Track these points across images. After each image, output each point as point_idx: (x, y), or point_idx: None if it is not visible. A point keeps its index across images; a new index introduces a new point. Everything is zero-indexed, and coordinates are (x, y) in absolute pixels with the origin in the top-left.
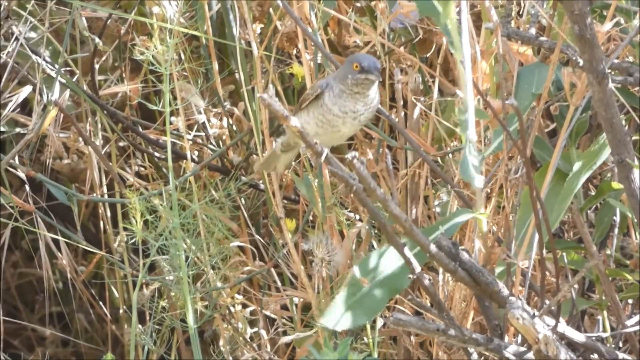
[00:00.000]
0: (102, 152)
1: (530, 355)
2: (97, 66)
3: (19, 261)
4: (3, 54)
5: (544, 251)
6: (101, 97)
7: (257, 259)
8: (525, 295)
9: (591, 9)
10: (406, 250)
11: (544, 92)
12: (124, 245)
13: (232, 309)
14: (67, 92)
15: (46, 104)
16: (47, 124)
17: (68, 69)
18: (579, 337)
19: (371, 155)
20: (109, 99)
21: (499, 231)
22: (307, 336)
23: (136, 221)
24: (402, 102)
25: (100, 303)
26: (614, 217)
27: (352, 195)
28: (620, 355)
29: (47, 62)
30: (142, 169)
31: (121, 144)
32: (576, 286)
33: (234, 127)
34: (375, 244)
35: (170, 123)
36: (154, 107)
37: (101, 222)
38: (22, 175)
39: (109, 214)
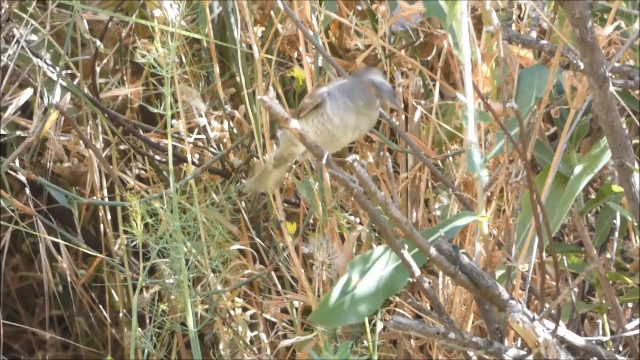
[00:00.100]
0: (103, 155)
1: (531, 358)
2: (98, 69)
3: (19, 264)
4: (4, 56)
5: (544, 255)
6: (102, 100)
7: (258, 262)
8: (526, 299)
9: (592, 13)
10: (406, 254)
11: (545, 95)
12: (124, 249)
13: (232, 312)
14: (68, 95)
15: (47, 107)
16: (47, 127)
17: (69, 71)
18: (579, 340)
19: (372, 158)
20: (109, 102)
21: (499, 234)
22: (308, 339)
23: (136, 224)
24: (402, 106)
25: (100, 306)
26: (614, 221)
27: (352, 198)
28: (620, 358)
29: (48, 64)
30: (143, 172)
31: (122, 147)
32: (576, 290)
33: (235, 130)
34: (375, 247)
35: (171, 126)
36: (155, 110)
37: (101, 225)
38: (23, 178)
39: (109, 217)
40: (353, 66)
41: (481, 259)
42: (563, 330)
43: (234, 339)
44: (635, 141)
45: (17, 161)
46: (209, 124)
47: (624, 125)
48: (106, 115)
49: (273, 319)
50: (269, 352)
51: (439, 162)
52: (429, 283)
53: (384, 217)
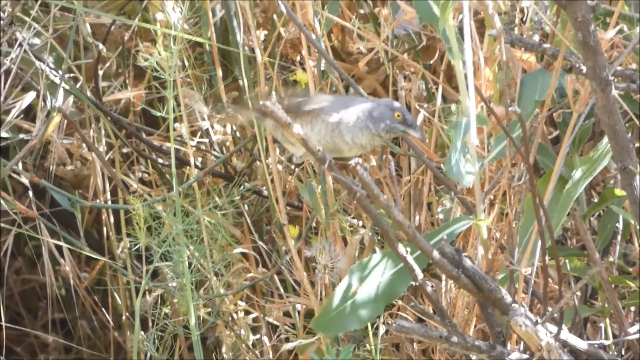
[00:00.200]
0: (106, 159)
1: None
2: (100, 72)
3: (22, 267)
4: (7, 60)
5: (547, 258)
6: (105, 104)
7: (260, 265)
8: (528, 303)
9: (594, 16)
10: (409, 258)
11: (547, 99)
12: (127, 252)
13: (234, 315)
14: (71, 99)
15: (50, 110)
16: (50, 130)
17: (72, 75)
18: (581, 344)
19: (374, 161)
20: (112, 105)
21: (502, 238)
22: (310, 343)
23: (139, 227)
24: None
25: (103, 309)
26: (617, 224)
27: (355, 201)
28: None
29: (50, 68)
30: (146, 175)
31: (125, 150)
32: (579, 293)
33: (238, 134)
34: (378, 250)
35: (174, 129)
36: (158, 114)
37: (104, 229)
38: (26, 182)
39: (112, 220)
40: (355, 70)
41: (484, 262)
42: (565, 334)
43: (237, 342)
44: (637, 145)
45: (20, 164)
46: (212, 127)
47: (627, 129)
48: (109, 118)
49: (275, 322)
50: (271, 355)
51: (442, 166)
52: (432, 286)
53: (386, 221)
